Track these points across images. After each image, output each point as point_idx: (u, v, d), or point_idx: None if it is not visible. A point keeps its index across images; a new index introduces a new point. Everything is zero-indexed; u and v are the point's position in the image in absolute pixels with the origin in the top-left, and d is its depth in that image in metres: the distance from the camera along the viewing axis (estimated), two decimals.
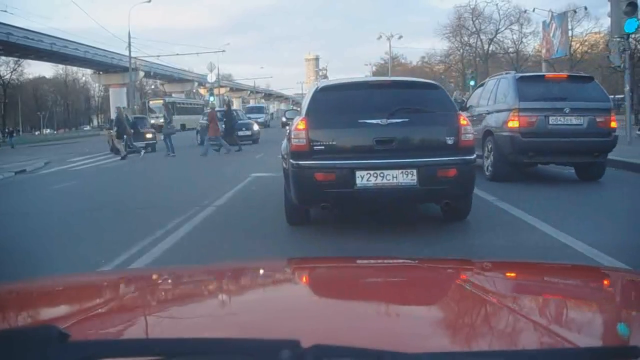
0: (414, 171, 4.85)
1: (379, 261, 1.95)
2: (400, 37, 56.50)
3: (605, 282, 1.58)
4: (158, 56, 48.91)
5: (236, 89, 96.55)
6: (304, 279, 1.65)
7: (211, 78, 44.41)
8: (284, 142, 5.80)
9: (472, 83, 41.14)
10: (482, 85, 10.52)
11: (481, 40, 50.90)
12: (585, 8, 37.66)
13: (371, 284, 1.52)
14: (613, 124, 8.26)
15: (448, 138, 5.00)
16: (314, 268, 1.79)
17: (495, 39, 50.51)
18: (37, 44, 39.97)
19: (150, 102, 44.55)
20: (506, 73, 9.81)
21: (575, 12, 38.12)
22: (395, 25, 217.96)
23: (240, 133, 20.85)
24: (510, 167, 8.37)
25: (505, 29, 49.35)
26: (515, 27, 49.55)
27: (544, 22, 40.29)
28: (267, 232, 5.54)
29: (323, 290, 1.46)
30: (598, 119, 8.10)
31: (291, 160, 5.03)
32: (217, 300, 1.41)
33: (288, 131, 5.64)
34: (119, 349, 0.77)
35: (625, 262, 3.68)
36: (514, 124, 8.11)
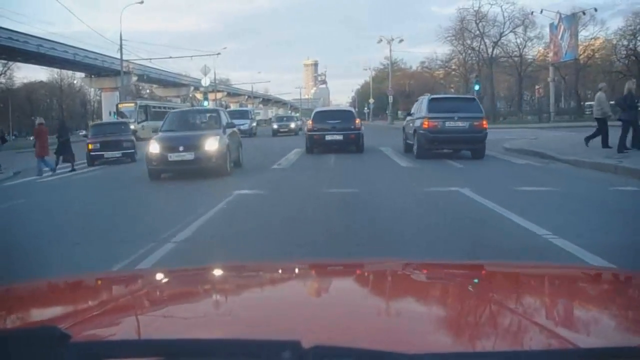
0: (342, 136, 16.44)
1: (379, 262, 2.07)
2: (401, 40, 55.07)
3: (605, 282, 1.55)
4: (150, 59, 47.33)
5: (233, 93, 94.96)
6: (305, 280, 1.67)
7: (205, 82, 42.67)
8: (305, 128, 21.45)
9: (476, 88, 39.52)
10: (417, 100, 16.88)
11: (485, 43, 49.28)
12: (595, 10, 36.10)
13: (371, 285, 1.55)
14: (484, 126, 13.88)
15: (352, 125, 16.69)
16: (314, 269, 1.81)
17: (499, 42, 48.85)
18: (23, 46, 38.19)
19: (120, 105, 39.37)
20: (426, 94, 17.70)
21: (584, 13, 36.49)
22: (395, 31, 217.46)
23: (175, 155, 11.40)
24: (426, 150, 14.07)
25: (510, 32, 47.76)
26: (520, 30, 47.98)
27: (551, 25, 38.80)
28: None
29: (324, 290, 1.47)
30: (475, 123, 13.69)
31: (307, 132, 17.65)
32: (218, 301, 1.40)
33: (305, 123, 25.34)
34: (120, 349, 0.79)
35: None
36: (425, 125, 13.88)
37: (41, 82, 71.73)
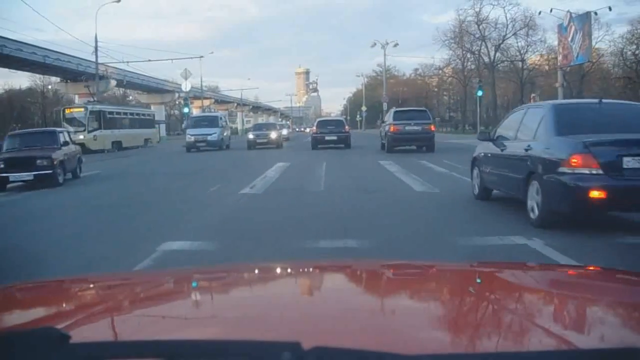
0: (336, 136, 25.61)
1: (379, 263, 2.07)
2: (396, 44, 52.02)
3: (605, 282, 1.53)
4: (127, 62, 43.89)
5: (221, 100, 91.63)
6: (305, 281, 1.65)
7: (186, 87, 39.27)
8: (310, 132, 35.17)
9: (479, 93, 36.59)
10: (387, 111, 26.83)
11: (487, 46, 46.16)
12: (610, 9, 32.98)
13: (371, 286, 1.54)
14: (432, 129, 21.23)
15: (343, 129, 26.50)
16: (314, 269, 1.80)
17: (501, 45, 45.72)
18: None
19: (68, 110, 31.59)
20: (394, 107, 26.52)
21: (596, 13, 33.47)
22: (387, 38, 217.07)
23: None
24: (393, 146, 20.84)
25: (513, 34, 44.66)
26: (523, 32, 44.89)
27: (560, 26, 35.79)
28: None
29: (324, 291, 1.47)
30: (425, 127, 20.65)
31: (312, 134, 27.54)
32: (217, 302, 1.39)
33: (309, 130, 46.83)
34: (119, 350, 0.79)
35: None
36: (391, 129, 20.75)
37: (30, 88, 67.94)
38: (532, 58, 48.87)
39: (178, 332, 1.07)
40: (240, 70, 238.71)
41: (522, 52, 47.20)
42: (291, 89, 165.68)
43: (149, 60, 44.78)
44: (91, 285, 1.62)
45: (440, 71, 55.13)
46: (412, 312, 1.21)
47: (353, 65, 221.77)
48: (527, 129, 6.69)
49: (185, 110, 39.24)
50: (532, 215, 6.07)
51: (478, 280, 1.53)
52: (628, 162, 5.50)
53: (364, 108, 67.78)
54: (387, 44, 51.86)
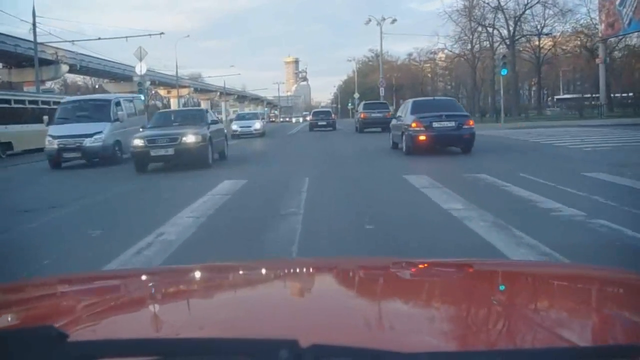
0: (326, 122, 35.34)
1: (377, 261, 2.08)
2: (394, 20, 44.88)
3: (605, 281, 1.50)
4: (72, 42, 36.57)
5: (202, 89, 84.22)
6: (302, 278, 1.65)
7: (141, 69, 31.85)
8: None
9: (504, 72, 29.65)
10: (359, 103, 38.86)
11: (506, 17, 38.91)
12: None
13: (369, 284, 1.53)
14: (389, 115, 25.75)
15: (331, 117, 37.30)
16: (312, 267, 1.80)
17: (522, 16, 38.48)
18: None
19: None
20: (362, 102, 35.42)
21: None
22: (375, 27, 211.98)
23: None
24: (363, 128, 29.19)
25: (537, 2, 37.43)
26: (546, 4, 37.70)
27: None
28: None
29: (321, 289, 1.46)
30: (385, 114, 28.09)
31: (309, 121, 39.47)
32: (216, 300, 1.39)
33: (307, 118, 58.39)
34: (117, 348, 0.78)
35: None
36: (361, 117, 30.18)
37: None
38: (554, 37, 41.91)
39: (175, 330, 1.06)
40: (229, 61, 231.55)
41: (540, 26, 40.21)
42: (280, 79, 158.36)
43: (99, 39, 37.42)
44: (89, 284, 1.60)
45: (437, 55, 48.18)
46: (410, 310, 1.22)
47: (343, 54, 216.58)
48: (404, 112, 15.01)
49: (141, 97, 31.69)
50: (404, 150, 14.00)
51: (474, 279, 1.51)
52: (435, 124, 13.30)
53: (356, 95, 60.80)
54: (384, 19, 44.79)
